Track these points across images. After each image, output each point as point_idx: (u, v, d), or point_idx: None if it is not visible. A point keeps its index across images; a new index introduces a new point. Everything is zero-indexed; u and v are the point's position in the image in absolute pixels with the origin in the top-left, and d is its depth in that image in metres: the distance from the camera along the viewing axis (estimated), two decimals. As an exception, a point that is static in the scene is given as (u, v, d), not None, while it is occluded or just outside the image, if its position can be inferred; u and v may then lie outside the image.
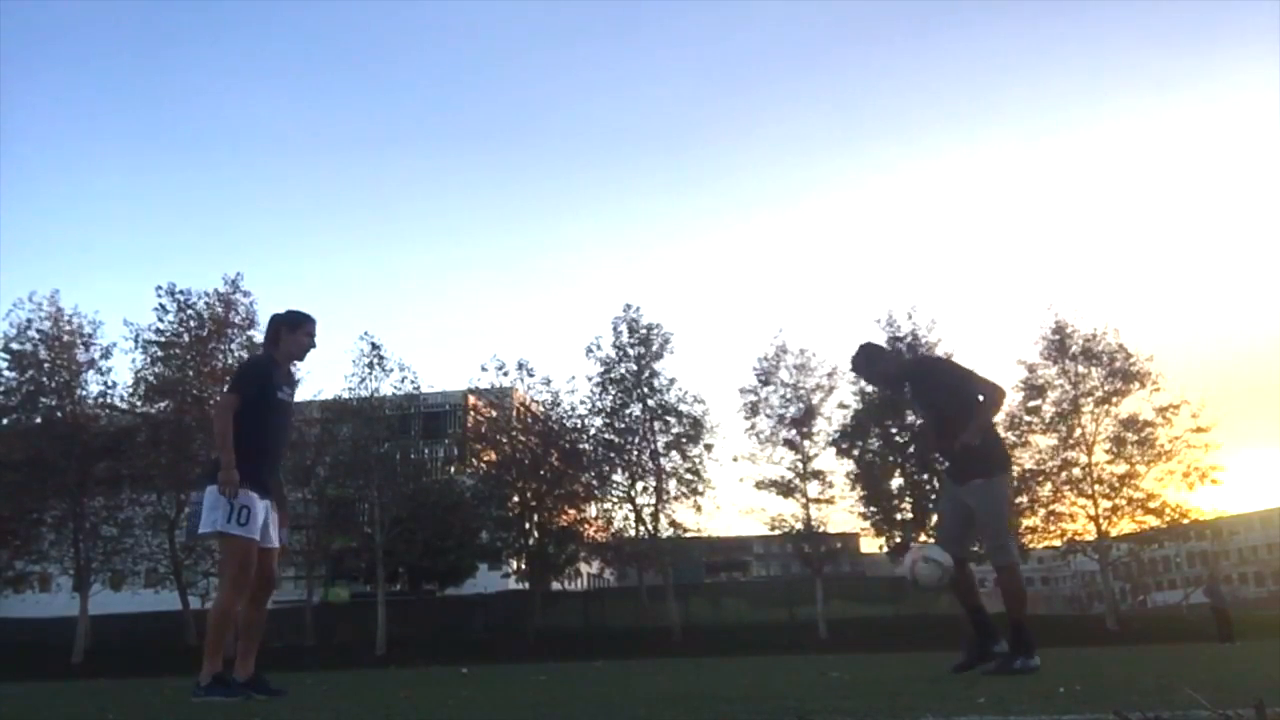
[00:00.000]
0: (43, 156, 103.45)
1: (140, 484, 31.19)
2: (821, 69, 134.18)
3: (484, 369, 34.06)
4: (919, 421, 5.91)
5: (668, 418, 33.40)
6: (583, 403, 34.12)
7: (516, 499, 33.93)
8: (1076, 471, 32.51)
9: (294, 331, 5.22)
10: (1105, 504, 32.16)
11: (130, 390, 31.76)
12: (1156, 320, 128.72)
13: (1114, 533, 33.36)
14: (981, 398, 5.46)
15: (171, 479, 30.50)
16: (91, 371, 31.42)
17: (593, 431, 34.15)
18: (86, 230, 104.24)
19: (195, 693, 4.76)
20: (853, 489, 33.03)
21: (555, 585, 40.44)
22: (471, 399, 36.56)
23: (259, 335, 31.48)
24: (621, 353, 33.72)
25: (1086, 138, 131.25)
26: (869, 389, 33.19)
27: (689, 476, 33.13)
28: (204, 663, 4.78)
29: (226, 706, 4.39)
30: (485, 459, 35.23)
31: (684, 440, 33.40)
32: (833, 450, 33.14)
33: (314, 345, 5.27)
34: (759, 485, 33.16)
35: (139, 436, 31.09)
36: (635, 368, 33.62)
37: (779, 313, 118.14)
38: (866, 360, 5.83)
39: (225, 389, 5.29)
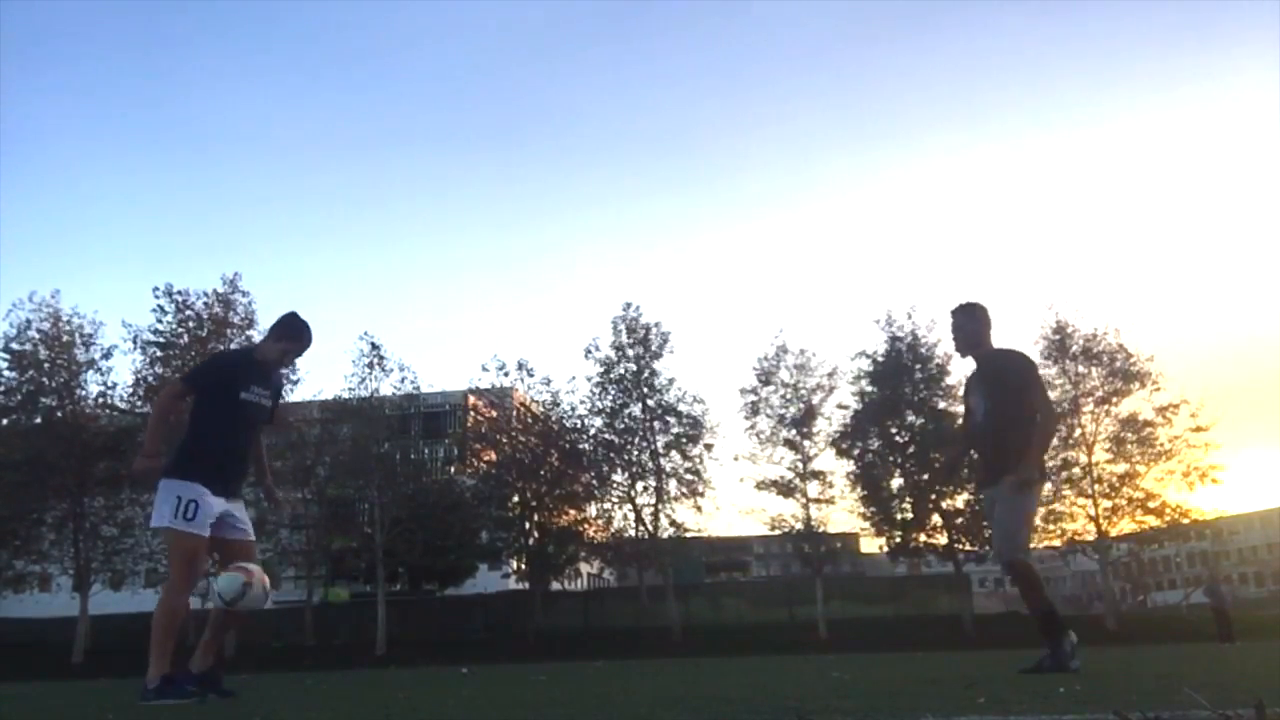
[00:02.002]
0: (43, 156, 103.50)
1: (140, 484, 31.17)
2: (821, 69, 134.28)
3: (484, 369, 34.14)
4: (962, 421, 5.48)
5: (667, 418, 33.39)
6: (582, 403, 34.18)
7: (516, 499, 33.93)
8: (1076, 471, 32.53)
9: (278, 341, 5.07)
10: (1105, 504, 32.17)
11: (130, 391, 31.78)
12: (1156, 320, 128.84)
13: (1114, 533, 33.37)
14: (1038, 420, 5.31)
15: (171, 479, 30.47)
16: (91, 372, 31.44)
17: (593, 431, 34.17)
18: (86, 230, 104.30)
19: (144, 696, 4.50)
20: (853, 489, 33.05)
21: (555, 585, 40.43)
22: (471, 399, 36.56)
23: (258, 335, 31.49)
24: (621, 353, 33.72)
25: (1086, 138, 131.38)
26: (870, 388, 33.21)
27: (689, 476, 33.16)
28: (150, 665, 4.55)
29: (181, 709, 4.22)
30: (485, 459, 35.21)
31: (684, 440, 33.40)
32: (833, 450, 33.18)
33: (286, 364, 5.11)
34: (759, 485, 33.18)
35: (139, 436, 31.05)
36: (635, 368, 33.62)
37: (779, 313, 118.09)
38: (969, 316, 5.65)
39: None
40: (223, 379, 4.90)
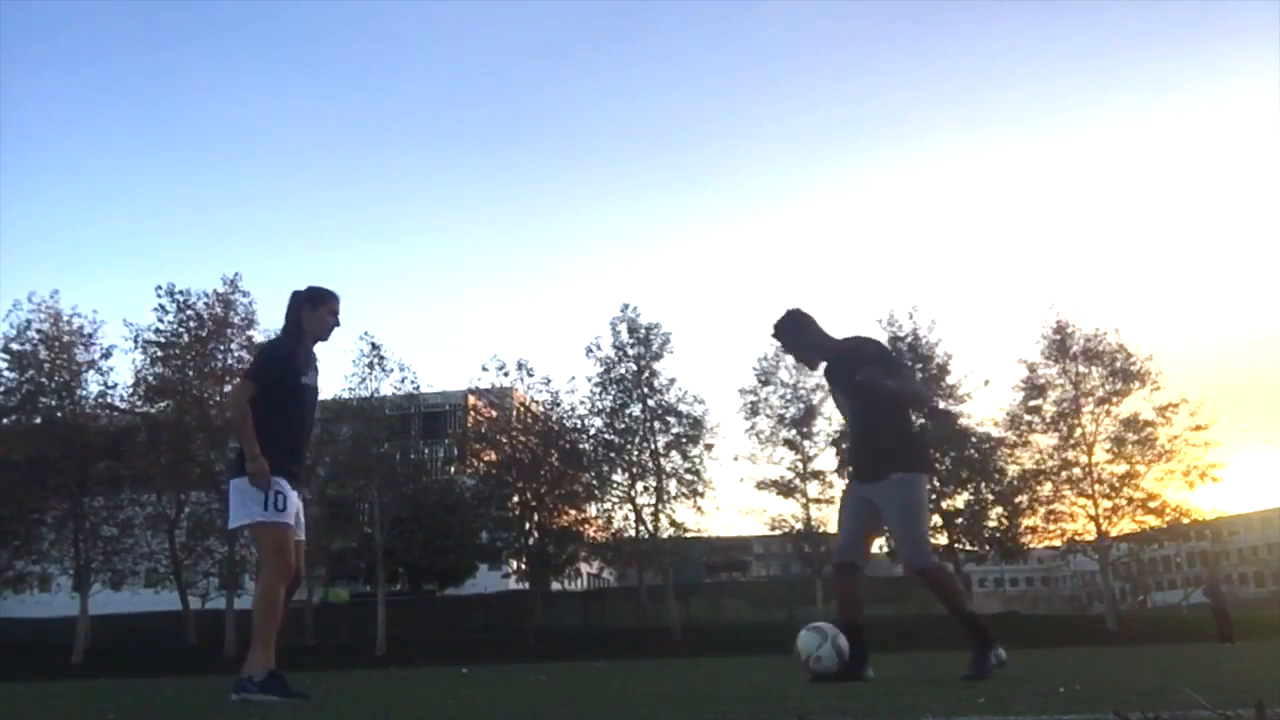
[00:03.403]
0: (43, 156, 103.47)
1: (140, 484, 31.18)
2: (821, 69, 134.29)
3: (484, 369, 34.13)
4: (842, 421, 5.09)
5: (668, 418, 33.42)
6: (583, 403, 34.21)
7: (516, 499, 33.94)
8: (1077, 471, 32.53)
9: (316, 309, 4.88)
10: (1105, 504, 32.19)
11: (130, 390, 31.80)
12: (1156, 320, 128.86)
13: (1114, 533, 33.39)
14: (903, 390, 4.94)
15: (171, 479, 30.50)
16: (91, 372, 31.47)
17: (593, 431, 34.20)
18: (86, 230, 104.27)
19: (245, 688, 4.39)
20: (852, 489, 33.01)
21: (555, 585, 40.46)
22: (471, 399, 36.58)
23: (259, 335, 31.55)
24: (621, 353, 33.75)
25: (1086, 138, 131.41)
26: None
27: (689, 476, 33.20)
28: (252, 655, 4.46)
29: (283, 706, 4.12)
30: (485, 459, 35.24)
31: (684, 440, 33.43)
32: (833, 450, 33.18)
33: (338, 324, 4.97)
34: (759, 485, 33.20)
35: (139, 436, 31.09)
36: (635, 368, 33.65)
37: (779, 313, 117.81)
38: (797, 328, 5.13)
39: (244, 373, 4.99)
40: (283, 366, 4.78)
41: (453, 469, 37.99)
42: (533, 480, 33.60)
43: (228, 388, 30.37)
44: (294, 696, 4.40)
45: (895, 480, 4.80)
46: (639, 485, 33.60)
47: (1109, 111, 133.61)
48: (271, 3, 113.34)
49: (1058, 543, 33.99)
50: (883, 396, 4.83)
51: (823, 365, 5.25)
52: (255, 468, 4.46)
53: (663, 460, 33.36)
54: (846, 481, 5.51)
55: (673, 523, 33.27)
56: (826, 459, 33.35)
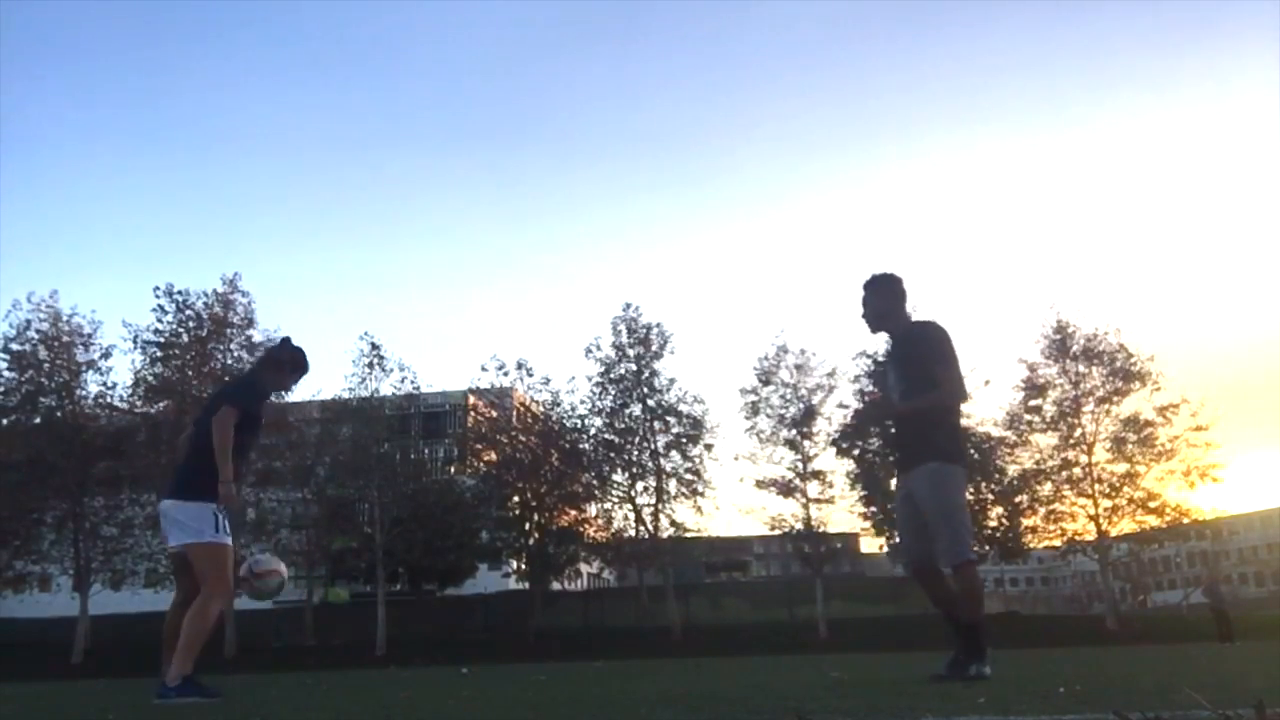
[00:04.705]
0: (43, 156, 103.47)
1: (140, 484, 31.17)
2: (821, 69, 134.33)
3: (484, 369, 34.10)
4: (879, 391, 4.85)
5: (668, 418, 33.38)
6: (583, 403, 34.16)
7: (516, 499, 33.92)
8: (1077, 471, 32.52)
9: (293, 373, 5.47)
10: (1105, 504, 32.18)
11: (130, 390, 31.78)
12: (1156, 320, 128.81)
13: (1114, 532, 33.37)
14: (939, 387, 4.76)
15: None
16: (91, 372, 31.45)
17: (593, 431, 34.16)
18: (86, 230, 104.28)
19: (163, 693, 4.67)
20: (852, 489, 33.03)
21: (555, 585, 40.43)
22: (471, 399, 36.56)
23: (258, 335, 31.59)
24: (621, 353, 33.72)
25: (1086, 137, 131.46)
26: (869, 387, 33.20)
27: (689, 476, 33.15)
28: (176, 663, 4.76)
29: (203, 707, 4.32)
30: (485, 459, 35.21)
31: (684, 440, 33.39)
32: (833, 450, 33.16)
33: (289, 391, 5.79)
34: (759, 485, 33.16)
35: (139, 436, 31.08)
36: (635, 368, 33.62)
37: (779, 313, 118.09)
38: (874, 291, 5.05)
39: (227, 401, 5.22)
40: (261, 408, 5.31)
41: (453, 469, 37.96)
42: (533, 480, 33.57)
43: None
44: (208, 696, 4.72)
45: (930, 470, 4.69)
46: (639, 485, 33.59)
47: (1110, 110, 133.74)
48: (272, 2, 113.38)
49: (1058, 543, 33.96)
50: (912, 410, 4.75)
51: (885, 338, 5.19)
52: (229, 491, 4.91)
53: (663, 460, 33.33)
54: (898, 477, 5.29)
55: (673, 523, 33.26)
56: (827, 459, 33.39)
